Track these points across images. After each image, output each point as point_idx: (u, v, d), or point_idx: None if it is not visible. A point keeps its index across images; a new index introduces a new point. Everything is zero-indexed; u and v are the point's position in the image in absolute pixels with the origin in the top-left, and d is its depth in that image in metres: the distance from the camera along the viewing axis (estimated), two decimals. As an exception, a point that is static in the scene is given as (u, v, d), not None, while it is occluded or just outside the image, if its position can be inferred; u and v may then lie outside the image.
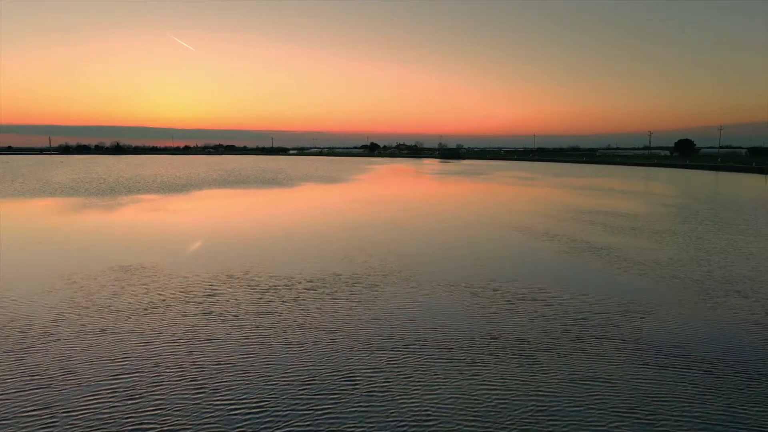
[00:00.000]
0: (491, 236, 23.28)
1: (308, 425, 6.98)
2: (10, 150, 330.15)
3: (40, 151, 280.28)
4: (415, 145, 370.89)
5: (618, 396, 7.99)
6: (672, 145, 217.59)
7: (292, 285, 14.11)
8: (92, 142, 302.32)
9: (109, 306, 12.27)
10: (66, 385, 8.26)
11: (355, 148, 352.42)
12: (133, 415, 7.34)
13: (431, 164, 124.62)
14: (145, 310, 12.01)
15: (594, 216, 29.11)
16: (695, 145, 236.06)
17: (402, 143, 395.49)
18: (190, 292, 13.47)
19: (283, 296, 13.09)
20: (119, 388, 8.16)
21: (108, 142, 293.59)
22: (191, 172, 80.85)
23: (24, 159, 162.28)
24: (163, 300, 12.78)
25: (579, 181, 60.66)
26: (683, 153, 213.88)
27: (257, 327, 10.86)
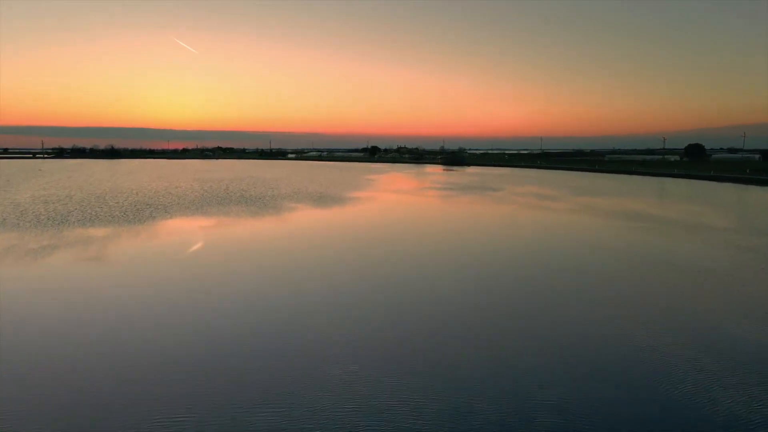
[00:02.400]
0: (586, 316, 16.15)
1: None
2: (5, 153, 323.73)
3: (33, 155, 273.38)
4: (417, 149, 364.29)
5: None
6: (674, 145, 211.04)
7: None
8: (93, 143, 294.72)
9: None
10: None
11: (355, 151, 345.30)
12: None
13: (434, 173, 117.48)
14: None
15: (681, 274, 21.97)
16: (705, 149, 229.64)
17: (403, 146, 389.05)
18: None
19: None
20: None
21: (109, 144, 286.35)
22: (174, 185, 73.75)
23: (8, 165, 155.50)
24: None
25: (607, 203, 53.55)
26: (693, 158, 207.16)
27: None
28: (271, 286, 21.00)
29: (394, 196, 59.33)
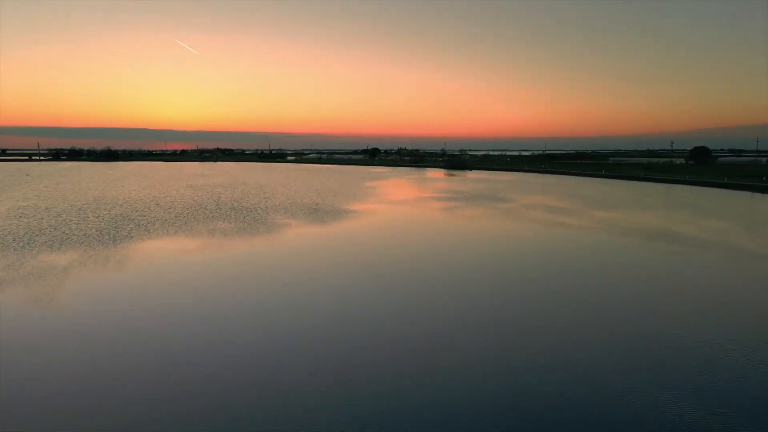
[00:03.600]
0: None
1: None
2: (3, 154, 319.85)
3: (29, 157, 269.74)
4: (417, 151, 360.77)
5: None
6: (677, 146, 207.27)
7: None
8: (93, 143, 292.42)
9: None
10: None
11: (355, 152, 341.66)
12: None
13: (436, 178, 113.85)
14: None
15: (732, 317, 18.38)
16: (711, 152, 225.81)
17: (403, 148, 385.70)
18: None
19: None
20: None
21: (109, 145, 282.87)
22: (164, 193, 70.09)
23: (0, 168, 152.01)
24: None
25: (625, 218, 49.98)
26: (699, 161, 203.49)
27: None
28: (252, 327, 17.46)
29: (394, 210, 55.70)
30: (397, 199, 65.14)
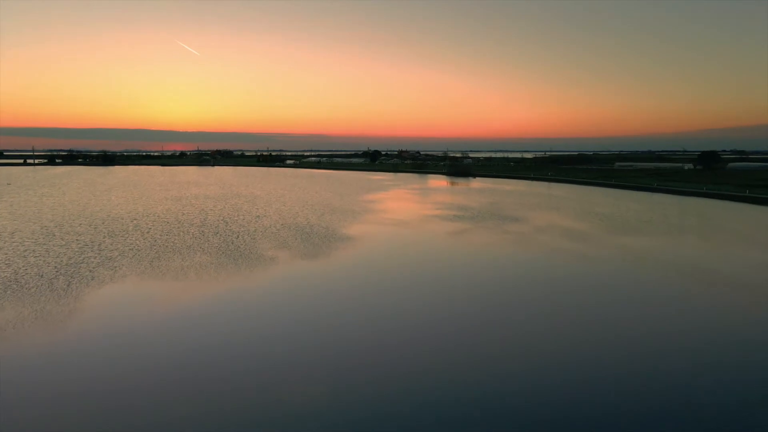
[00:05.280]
0: None
1: None
2: (1, 156, 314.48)
3: (24, 160, 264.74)
4: (418, 153, 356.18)
5: None
6: (679, 146, 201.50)
7: None
8: (94, 144, 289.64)
9: None
10: None
11: (355, 155, 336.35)
12: None
13: (440, 188, 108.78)
14: None
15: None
16: (720, 157, 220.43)
17: (404, 150, 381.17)
18: None
19: None
20: None
21: (109, 146, 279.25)
22: (149, 209, 64.85)
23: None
24: None
25: (653, 247, 45.07)
26: (708, 166, 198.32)
27: None
28: (221, 407, 12.53)
29: (395, 237, 50.59)
30: (398, 219, 60.06)
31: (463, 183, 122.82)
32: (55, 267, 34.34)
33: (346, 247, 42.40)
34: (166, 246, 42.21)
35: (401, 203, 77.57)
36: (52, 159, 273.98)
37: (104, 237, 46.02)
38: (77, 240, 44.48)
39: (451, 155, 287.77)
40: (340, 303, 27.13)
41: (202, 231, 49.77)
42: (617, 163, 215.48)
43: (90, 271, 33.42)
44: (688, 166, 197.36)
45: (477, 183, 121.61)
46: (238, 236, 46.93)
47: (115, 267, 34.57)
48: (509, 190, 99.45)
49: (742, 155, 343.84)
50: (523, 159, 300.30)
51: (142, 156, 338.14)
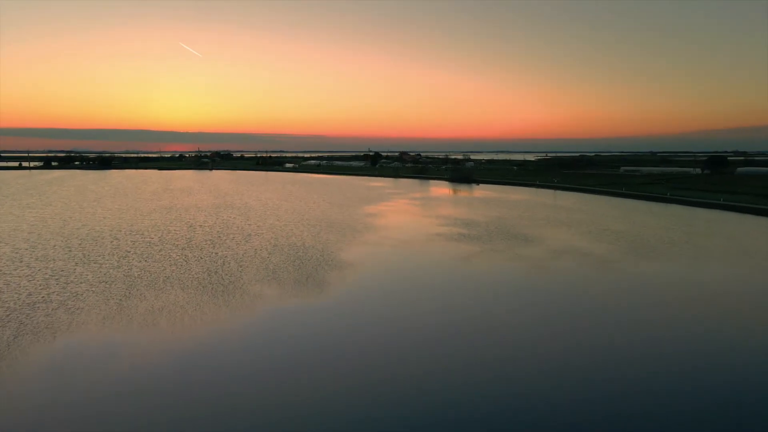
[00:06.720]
0: None
1: None
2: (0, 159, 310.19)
3: (19, 164, 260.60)
4: (419, 155, 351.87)
5: None
6: (681, 147, 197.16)
7: None
8: (94, 145, 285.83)
9: None
10: None
11: (355, 158, 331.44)
12: None
13: (442, 198, 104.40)
14: None
15: None
16: (728, 161, 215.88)
17: (405, 152, 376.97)
18: None
19: None
20: None
21: (110, 146, 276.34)
22: (132, 225, 60.56)
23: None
24: None
25: (692, 279, 40.84)
26: (715, 170, 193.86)
27: None
28: None
29: (397, 262, 46.40)
30: (400, 237, 55.75)
31: (466, 191, 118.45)
32: (9, 309, 30.10)
33: (341, 278, 38.16)
34: (142, 276, 37.96)
35: (403, 217, 73.18)
36: (48, 162, 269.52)
37: (76, 264, 41.77)
38: (46, 268, 40.29)
39: (453, 158, 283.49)
40: (328, 351, 22.81)
41: (185, 255, 45.54)
42: (623, 168, 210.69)
43: (47, 315, 29.18)
44: (695, 170, 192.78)
45: (481, 191, 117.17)
46: (223, 263, 42.69)
47: (78, 309, 30.31)
48: (515, 201, 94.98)
49: (745, 156, 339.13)
50: (525, 161, 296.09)
51: (140, 158, 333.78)
